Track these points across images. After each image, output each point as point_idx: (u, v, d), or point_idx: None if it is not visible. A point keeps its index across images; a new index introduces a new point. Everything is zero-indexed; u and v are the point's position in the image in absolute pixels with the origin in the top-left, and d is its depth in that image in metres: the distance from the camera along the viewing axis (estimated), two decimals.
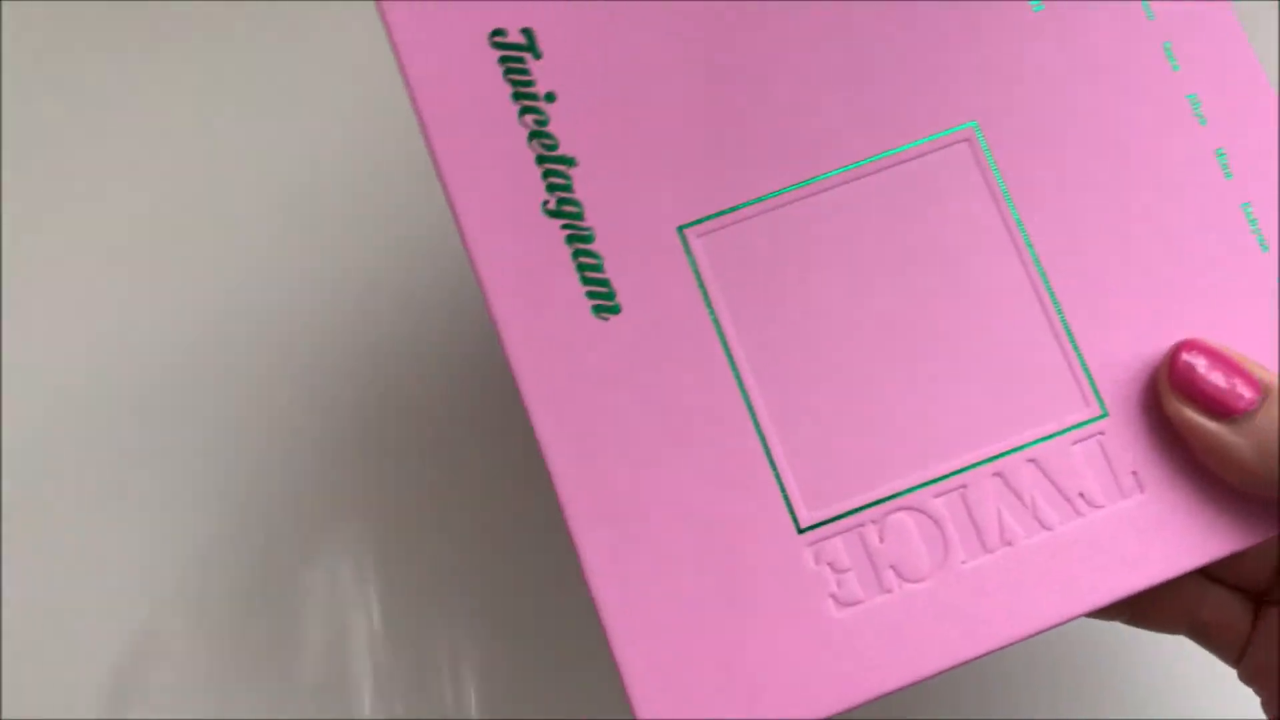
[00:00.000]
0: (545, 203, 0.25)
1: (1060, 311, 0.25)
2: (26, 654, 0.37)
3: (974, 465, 0.24)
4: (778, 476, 0.24)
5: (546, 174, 0.25)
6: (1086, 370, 0.25)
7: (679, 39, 0.26)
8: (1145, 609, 0.29)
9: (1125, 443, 0.25)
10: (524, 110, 0.26)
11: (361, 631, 0.37)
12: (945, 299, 0.25)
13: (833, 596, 0.24)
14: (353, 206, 0.40)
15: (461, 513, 0.38)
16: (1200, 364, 0.24)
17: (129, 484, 0.38)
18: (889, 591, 0.24)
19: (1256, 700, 0.28)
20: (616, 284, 0.25)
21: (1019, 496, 0.24)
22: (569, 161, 0.25)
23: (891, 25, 0.26)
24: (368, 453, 0.38)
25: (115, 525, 0.38)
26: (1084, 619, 0.33)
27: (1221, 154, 0.26)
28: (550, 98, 0.26)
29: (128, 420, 0.38)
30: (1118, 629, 0.35)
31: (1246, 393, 0.23)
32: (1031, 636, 0.24)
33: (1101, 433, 0.25)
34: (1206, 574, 0.29)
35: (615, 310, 0.25)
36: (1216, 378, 0.24)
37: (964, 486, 0.24)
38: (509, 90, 0.26)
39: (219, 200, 0.40)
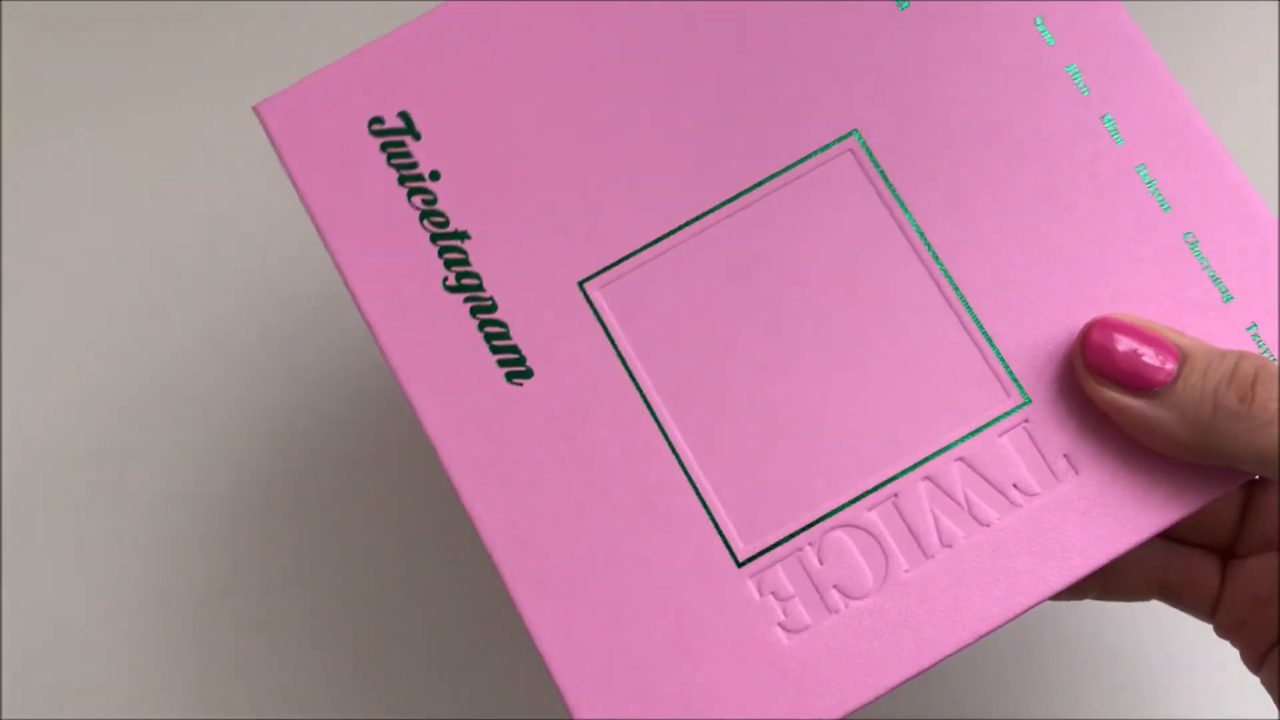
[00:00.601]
0: (445, 279, 0.26)
1: (967, 305, 0.25)
2: (26, 654, 0.37)
3: (902, 473, 0.24)
4: (710, 514, 0.24)
5: (442, 251, 0.26)
6: (1003, 360, 0.25)
7: (550, 100, 0.26)
8: (1112, 581, 0.28)
9: (1053, 427, 0.24)
10: (412, 192, 0.26)
11: (367, 631, 0.37)
12: (851, 311, 0.25)
13: (780, 625, 0.24)
14: None
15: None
16: (1115, 342, 0.23)
17: (129, 485, 0.38)
18: (836, 612, 0.24)
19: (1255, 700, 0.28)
20: (525, 349, 0.25)
21: (952, 497, 0.24)
22: (462, 235, 0.26)
23: (756, 48, 0.26)
24: (365, 453, 0.38)
25: (116, 525, 0.38)
26: (1052, 603, 0.33)
27: (1109, 120, 0.25)
28: (435, 176, 0.26)
29: (129, 421, 0.39)
30: (1093, 614, 0.35)
31: (1165, 364, 0.23)
32: (985, 636, 0.24)
33: (1027, 420, 0.24)
34: (1170, 536, 0.28)
35: (528, 375, 0.25)
36: (1132, 353, 0.23)
37: (895, 495, 0.24)
38: (394, 175, 0.26)
39: (219, 200, 0.40)
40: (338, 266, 0.26)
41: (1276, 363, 0.24)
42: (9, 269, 0.40)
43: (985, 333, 0.25)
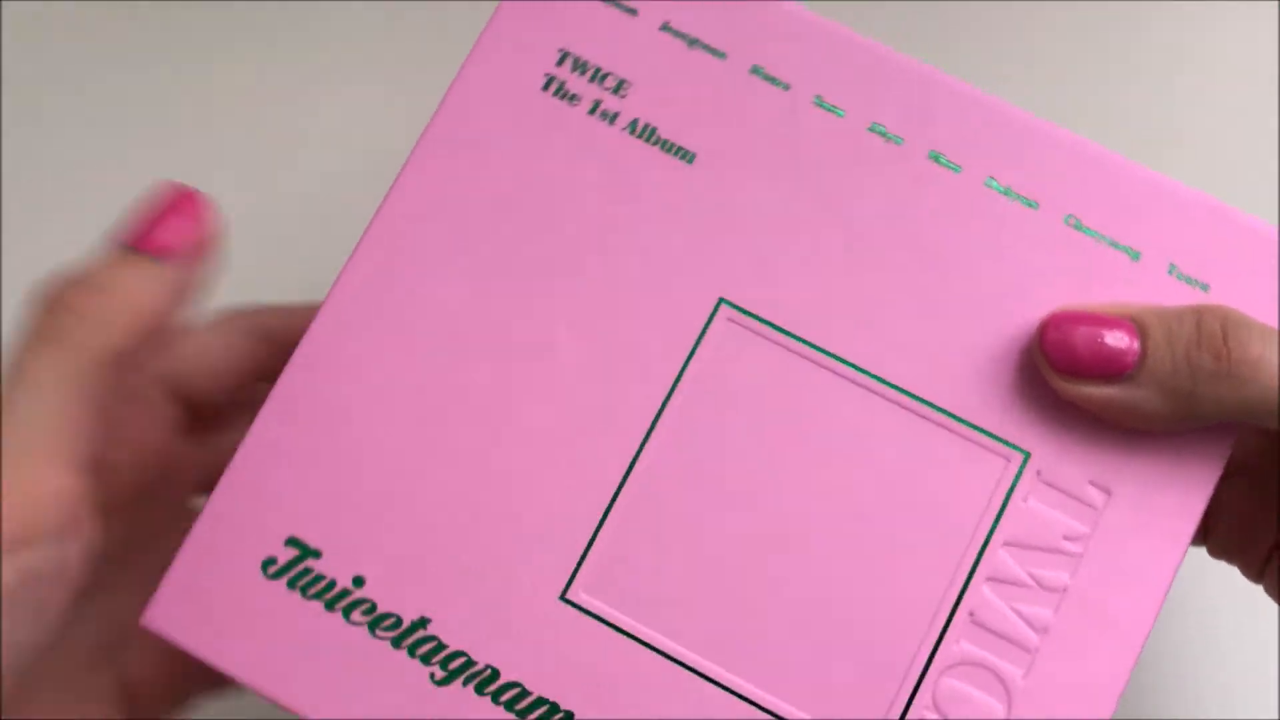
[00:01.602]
0: (433, 675, 0.23)
1: (918, 398, 0.24)
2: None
3: (963, 590, 0.23)
4: None
5: (413, 650, 0.23)
6: (980, 429, 0.24)
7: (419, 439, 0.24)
8: None
9: (1064, 462, 0.23)
10: (347, 610, 0.23)
11: None
12: (821, 471, 0.24)
13: None
14: (362, 206, 0.38)
15: None
16: (1073, 335, 0.23)
17: None
18: None
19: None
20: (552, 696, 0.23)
21: (1018, 583, 0.23)
22: (422, 623, 0.23)
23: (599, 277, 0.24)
24: None
25: None
26: None
27: (936, 154, 0.25)
28: (359, 582, 0.23)
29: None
30: None
31: (1129, 343, 0.22)
32: (1123, 689, 0.23)
33: (1038, 470, 0.23)
34: None
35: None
36: (1093, 340, 0.23)
37: (971, 614, 0.23)
38: (319, 605, 0.23)
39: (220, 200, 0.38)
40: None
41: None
42: (9, 266, 0.38)
43: (949, 413, 0.24)
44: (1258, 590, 0.33)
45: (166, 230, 0.22)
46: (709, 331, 0.24)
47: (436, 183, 0.25)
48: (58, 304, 0.21)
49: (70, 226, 0.38)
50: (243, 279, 0.37)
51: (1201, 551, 0.32)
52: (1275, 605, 0.33)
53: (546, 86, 0.25)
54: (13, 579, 0.20)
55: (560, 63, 0.25)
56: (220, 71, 0.40)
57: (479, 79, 0.25)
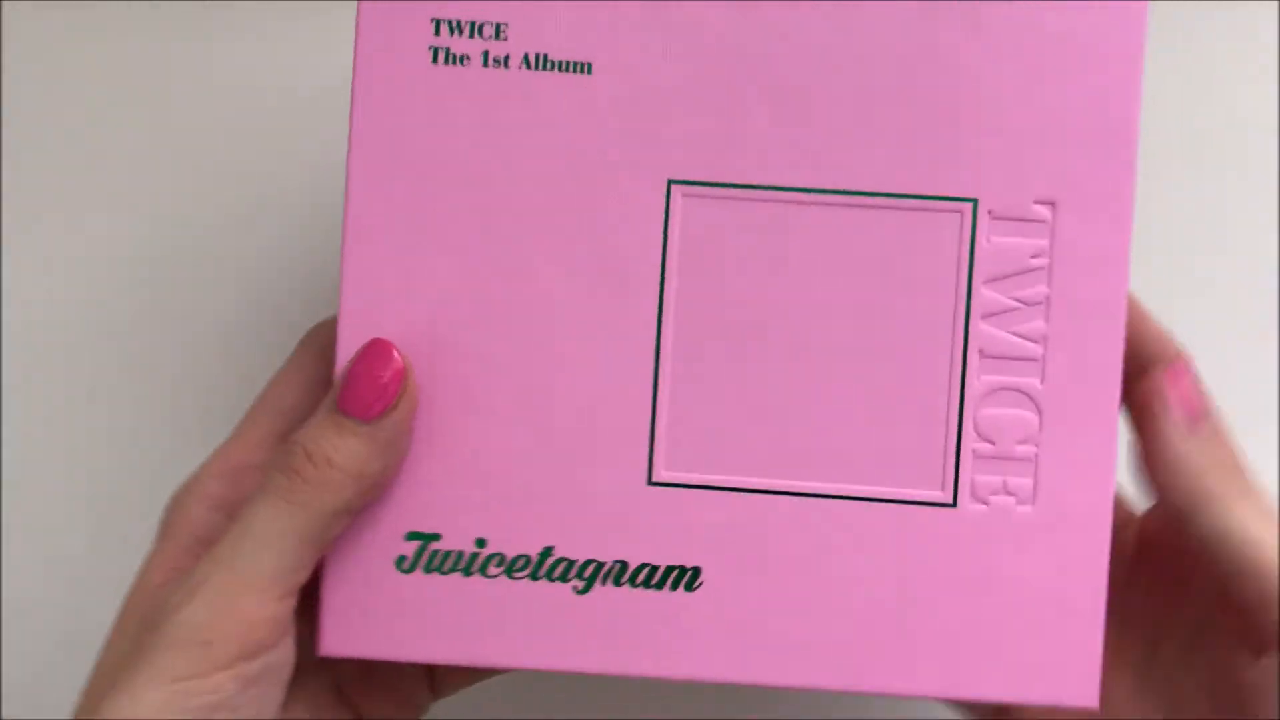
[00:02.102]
0: None
1: (877, 193, 0.26)
2: (26, 654, 0.37)
3: (966, 336, 0.27)
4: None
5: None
6: (936, 196, 0.26)
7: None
8: None
9: (1007, 194, 0.26)
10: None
11: None
12: (819, 285, 0.27)
13: None
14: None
15: None
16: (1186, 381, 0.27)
17: (130, 482, 0.38)
18: None
19: None
20: None
21: (1008, 310, 0.27)
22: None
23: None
24: None
25: (116, 524, 0.38)
26: None
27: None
28: (481, 543, 0.27)
29: (130, 420, 0.38)
30: None
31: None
32: None
33: (989, 210, 0.26)
34: None
35: None
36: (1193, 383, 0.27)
37: (980, 351, 0.27)
38: None
39: (219, 199, 0.39)
40: None
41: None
42: (9, 265, 0.39)
43: (900, 194, 0.26)
44: None
45: (373, 392, 0.25)
46: (671, 212, 0.27)
47: (383, 182, 0.27)
48: (290, 470, 0.25)
49: (70, 227, 0.38)
50: (249, 275, 0.38)
51: None
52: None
53: (435, 58, 0.26)
54: (234, 686, 0.24)
55: (437, 32, 0.26)
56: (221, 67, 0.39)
57: (374, 76, 0.26)
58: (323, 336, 0.28)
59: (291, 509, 0.25)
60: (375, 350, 0.26)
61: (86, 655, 0.33)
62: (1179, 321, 0.32)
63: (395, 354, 0.26)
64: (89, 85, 0.39)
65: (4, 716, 0.37)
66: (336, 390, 0.26)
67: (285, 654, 0.25)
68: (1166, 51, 0.36)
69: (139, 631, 0.25)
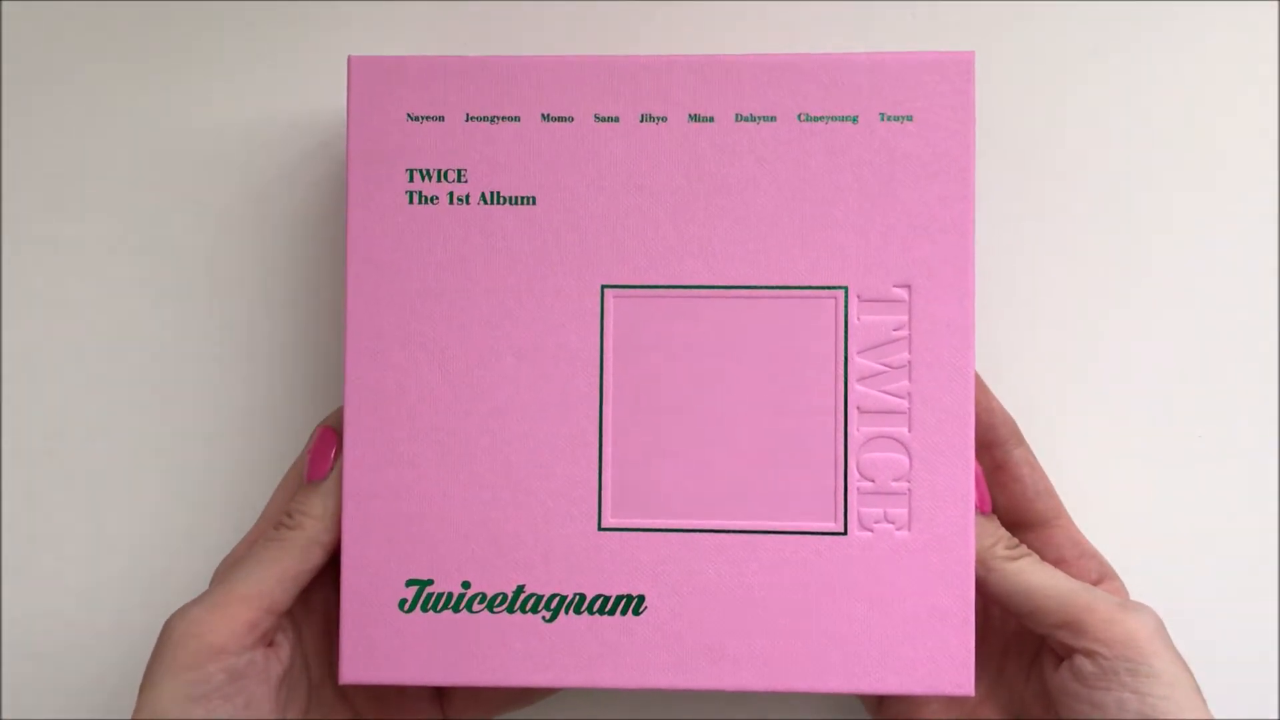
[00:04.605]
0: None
1: (769, 286, 0.33)
2: (26, 654, 0.39)
3: (846, 397, 0.33)
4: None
5: None
6: (816, 287, 0.33)
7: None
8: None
9: (871, 280, 0.33)
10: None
11: None
12: (728, 360, 0.33)
13: None
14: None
15: None
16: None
17: (130, 483, 0.39)
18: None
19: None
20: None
21: (877, 374, 0.33)
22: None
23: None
24: None
25: (116, 524, 0.39)
26: None
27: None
28: (466, 585, 0.33)
29: (132, 420, 0.40)
30: None
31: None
32: None
33: (858, 295, 0.33)
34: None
35: None
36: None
37: (858, 408, 0.33)
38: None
39: (220, 199, 0.40)
40: None
41: None
42: (9, 267, 0.40)
43: (790, 286, 0.33)
44: (1257, 590, 0.38)
45: (323, 462, 0.34)
46: (605, 310, 0.33)
47: (374, 301, 0.33)
48: (277, 524, 0.34)
49: (69, 229, 0.40)
50: (249, 275, 0.39)
51: (1199, 551, 0.38)
52: (1275, 605, 0.37)
53: (411, 200, 0.33)
54: (222, 677, 0.31)
55: (411, 179, 0.33)
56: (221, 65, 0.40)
57: (363, 218, 0.33)
58: (330, 422, 0.35)
59: (276, 545, 0.33)
60: (324, 436, 0.34)
61: (87, 656, 0.38)
62: (1180, 323, 0.37)
63: (334, 435, 0.34)
64: (90, 85, 0.40)
65: (4, 717, 0.38)
66: (304, 467, 0.34)
67: (269, 658, 0.32)
68: (1167, 51, 0.38)
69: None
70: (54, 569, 0.39)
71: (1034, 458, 0.36)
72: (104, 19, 0.40)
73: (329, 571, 0.34)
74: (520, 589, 0.33)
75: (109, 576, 0.39)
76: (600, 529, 0.33)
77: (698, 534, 0.33)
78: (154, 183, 0.40)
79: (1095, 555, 0.36)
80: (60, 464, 0.39)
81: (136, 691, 0.31)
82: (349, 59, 0.34)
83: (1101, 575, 0.35)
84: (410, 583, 0.33)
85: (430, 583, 0.33)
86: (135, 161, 0.40)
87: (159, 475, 0.39)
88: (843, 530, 0.33)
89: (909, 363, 0.33)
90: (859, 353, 0.33)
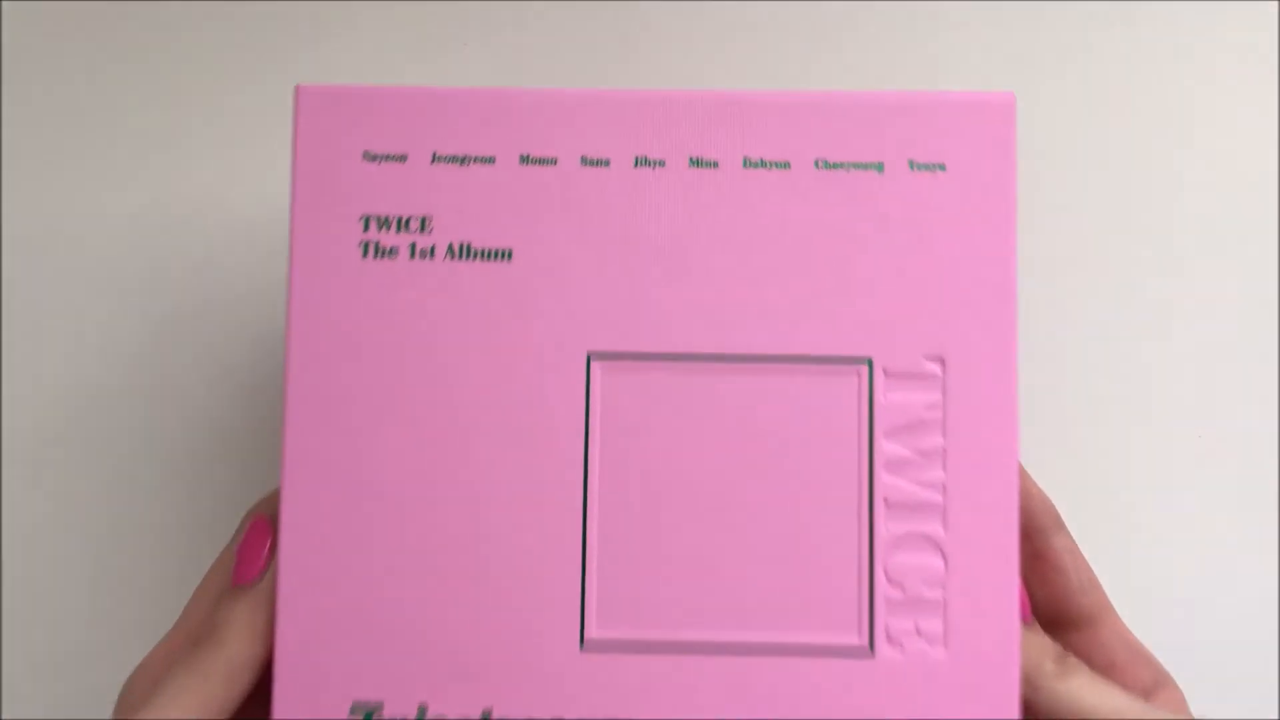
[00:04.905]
0: None
1: (780, 357, 0.28)
2: (27, 654, 0.38)
3: (871, 488, 0.28)
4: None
5: None
6: (836, 359, 0.28)
7: None
8: None
9: (899, 353, 0.29)
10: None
11: None
12: (731, 445, 0.28)
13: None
14: None
15: None
16: None
17: (130, 483, 0.39)
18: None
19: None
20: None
21: (908, 461, 0.28)
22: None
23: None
24: None
25: (117, 524, 0.38)
26: None
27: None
28: (423, 709, 0.28)
29: (132, 420, 0.39)
30: None
31: None
32: None
33: (884, 369, 0.29)
34: None
35: None
36: None
37: (885, 500, 0.28)
38: None
39: (222, 201, 0.40)
40: None
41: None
42: (8, 269, 0.39)
43: (803, 357, 0.29)
44: (1257, 590, 0.37)
45: (254, 563, 0.29)
46: (591, 382, 0.29)
47: (321, 372, 0.28)
48: (208, 631, 0.28)
49: (69, 230, 0.39)
50: (251, 275, 0.39)
51: (1198, 551, 0.36)
52: (1275, 605, 0.36)
53: (366, 253, 0.29)
54: None
55: (366, 228, 0.29)
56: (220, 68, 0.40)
57: (310, 273, 0.29)
58: (264, 510, 0.30)
59: (196, 670, 0.28)
60: (255, 528, 0.29)
61: (87, 656, 0.37)
62: (1184, 324, 0.35)
63: (268, 527, 0.29)
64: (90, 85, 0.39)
65: (4, 717, 0.37)
66: (231, 565, 0.29)
67: None
68: (1167, 51, 0.37)
69: None
70: (54, 569, 0.38)
71: (1076, 546, 0.32)
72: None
73: (265, 687, 0.29)
74: (487, 715, 0.28)
75: (110, 576, 0.38)
76: (582, 644, 0.28)
77: (697, 654, 0.28)
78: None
79: (1148, 658, 0.31)
80: (61, 463, 0.39)
81: None
82: (296, 89, 0.29)
83: (1156, 682, 0.31)
84: (356, 707, 0.28)
85: (380, 707, 0.28)
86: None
87: (159, 475, 0.39)
88: (868, 645, 0.28)
89: (943, 449, 0.28)
90: (886, 436, 0.29)
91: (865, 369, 0.29)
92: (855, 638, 0.28)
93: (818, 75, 0.38)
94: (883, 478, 0.28)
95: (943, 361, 0.29)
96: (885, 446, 0.28)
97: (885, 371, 0.29)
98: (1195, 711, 0.31)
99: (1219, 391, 0.37)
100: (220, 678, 0.27)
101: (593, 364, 0.29)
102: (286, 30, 0.40)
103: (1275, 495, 0.37)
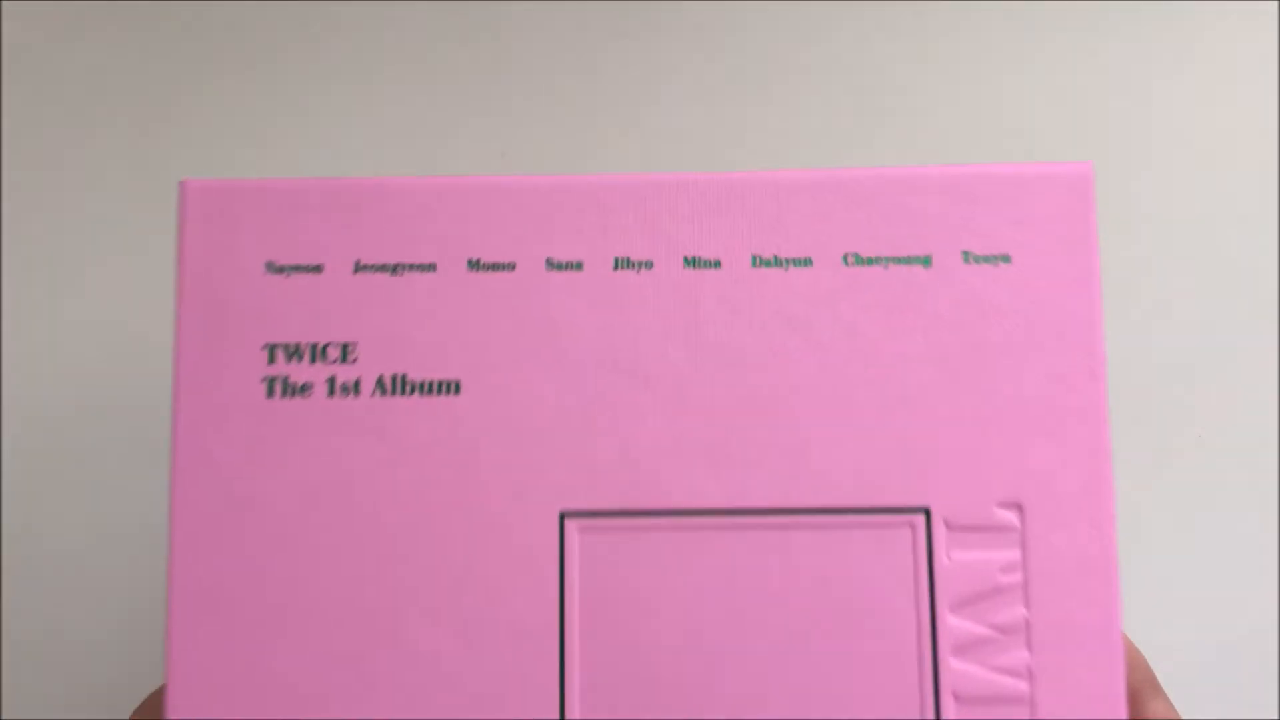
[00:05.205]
0: None
1: (805, 510, 0.22)
2: (27, 654, 0.37)
3: (936, 679, 0.22)
4: None
5: None
6: (877, 509, 0.22)
7: None
8: None
9: (964, 499, 0.22)
10: None
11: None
12: (750, 624, 0.22)
13: None
14: None
15: None
16: None
17: (130, 483, 0.37)
18: None
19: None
20: None
21: (983, 642, 0.22)
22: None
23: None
24: None
25: (117, 525, 0.37)
26: None
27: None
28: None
29: (133, 419, 0.37)
30: None
31: None
32: None
33: (945, 521, 0.22)
34: None
35: None
36: None
37: (955, 695, 0.22)
38: None
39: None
40: None
41: None
42: (9, 270, 0.37)
43: (832, 509, 0.22)
44: (1257, 590, 0.36)
45: None
46: (566, 550, 0.22)
47: (214, 545, 0.22)
48: None
49: (71, 233, 0.37)
50: None
51: (1196, 552, 0.35)
52: (1275, 605, 0.35)
53: (271, 392, 0.22)
54: None
55: (271, 360, 0.22)
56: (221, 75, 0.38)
57: (199, 416, 0.22)
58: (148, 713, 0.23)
59: None
60: None
61: (87, 657, 0.36)
62: (1183, 324, 0.36)
63: None
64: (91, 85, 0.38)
65: (4, 717, 0.37)
66: None
67: None
68: (1167, 51, 0.38)
69: None
70: (55, 569, 0.37)
71: (1175, 711, 0.25)
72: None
73: None
74: None
75: (110, 575, 0.37)
76: None
77: None
78: None
79: None
80: (62, 463, 0.37)
81: (137, 692, 0.31)
82: (181, 184, 0.23)
83: None
84: None
85: None
86: None
87: (161, 473, 0.36)
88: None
89: (1026, 623, 0.22)
90: (952, 609, 0.22)
91: (921, 521, 0.22)
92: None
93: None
94: (950, 664, 0.22)
95: (1020, 508, 0.22)
96: (951, 623, 0.22)
97: (947, 524, 0.22)
98: (1196, 712, 0.31)
99: (1219, 391, 0.37)
100: None
101: (567, 525, 0.22)
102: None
103: (1275, 495, 0.36)
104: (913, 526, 0.22)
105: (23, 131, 0.38)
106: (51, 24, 0.39)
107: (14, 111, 0.38)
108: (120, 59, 0.38)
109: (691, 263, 0.23)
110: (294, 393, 0.22)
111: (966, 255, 0.23)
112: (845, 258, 0.23)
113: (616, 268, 0.23)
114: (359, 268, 0.22)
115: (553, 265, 0.23)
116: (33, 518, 0.38)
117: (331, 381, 0.22)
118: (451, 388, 0.22)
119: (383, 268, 0.22)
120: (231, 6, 0.39)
